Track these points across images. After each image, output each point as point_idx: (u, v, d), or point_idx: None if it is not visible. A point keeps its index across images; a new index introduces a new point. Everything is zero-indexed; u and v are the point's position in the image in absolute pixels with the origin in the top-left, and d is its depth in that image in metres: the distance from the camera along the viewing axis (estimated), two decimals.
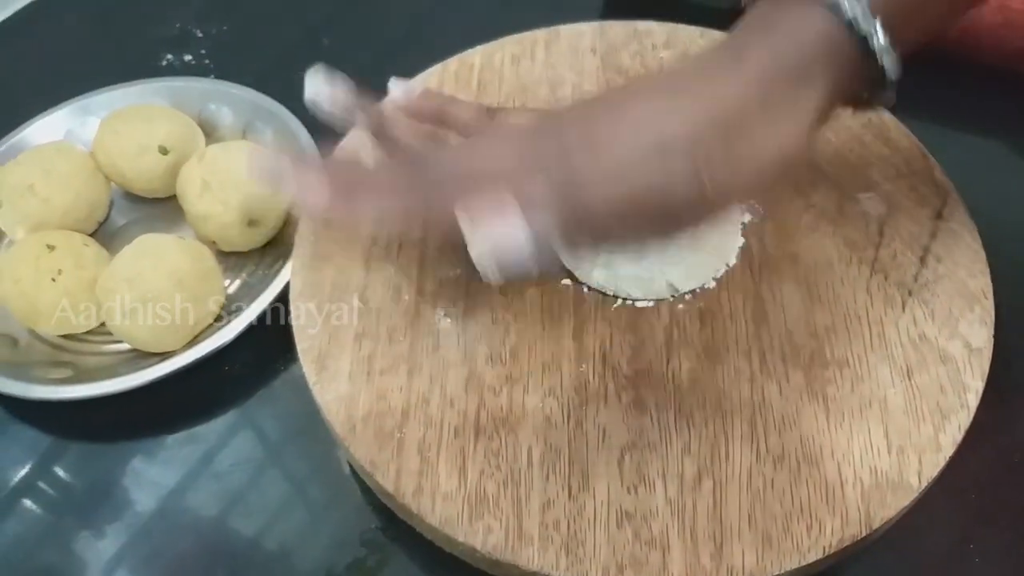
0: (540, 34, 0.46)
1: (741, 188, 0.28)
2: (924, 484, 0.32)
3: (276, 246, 0.46)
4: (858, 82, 0.29)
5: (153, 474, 0.41)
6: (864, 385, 0.34)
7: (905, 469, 0.32)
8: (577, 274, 0.37)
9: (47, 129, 0.50)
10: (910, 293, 0.36)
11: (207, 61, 0.57)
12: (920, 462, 0.32)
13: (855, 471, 0.32)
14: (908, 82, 0.48)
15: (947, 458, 0.32)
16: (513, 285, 0.37)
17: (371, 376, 0.35)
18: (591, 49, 0.45)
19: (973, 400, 0.33)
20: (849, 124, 0.41)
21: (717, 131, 0.27)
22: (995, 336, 0.35)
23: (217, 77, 0.54)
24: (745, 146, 0.27)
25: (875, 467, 0.32)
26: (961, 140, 0.49)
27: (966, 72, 0.49)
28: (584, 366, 0.35)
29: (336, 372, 0.35)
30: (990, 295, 0.36)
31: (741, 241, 0.38)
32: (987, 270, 0.37)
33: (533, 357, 0.35)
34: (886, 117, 0.42)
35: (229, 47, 0.58)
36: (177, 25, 0.59)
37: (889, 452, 0.32)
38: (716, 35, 0.45)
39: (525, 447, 0.33)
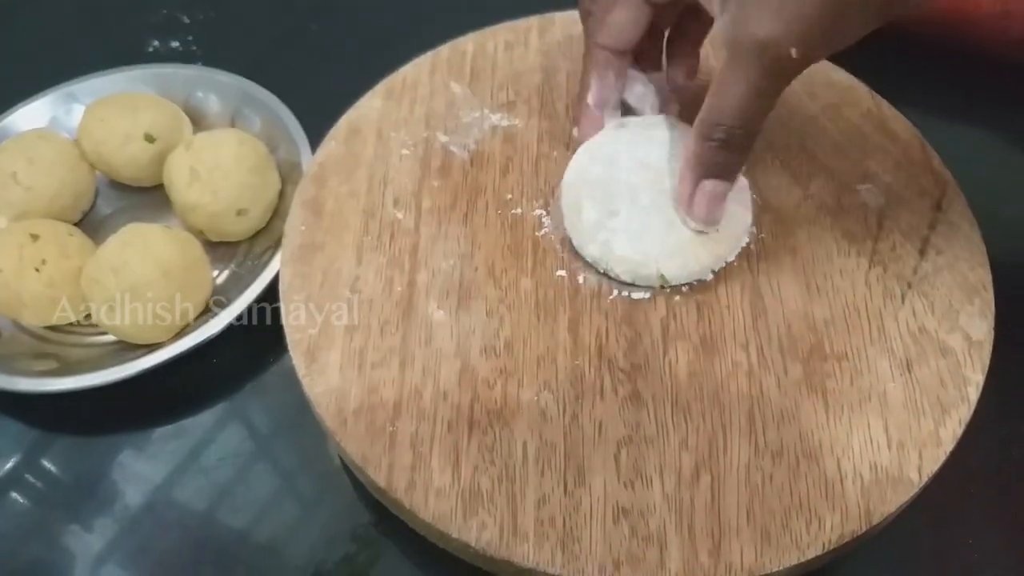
0: (534, 21, 0.46)
1: None
2: (924, 479, 0.31)
3: (265, 236, 0.45)
4: None
5: (140, 468, 0.40)
6: (863, 379, 0.33)
7: (905, 464, 0.31)
8: (574, 241, 0.36)
9: (31, 116, 0.49)
10: (909, 285, 0.36)
11: (194, 48, 0.56)
12: (920, 457, 0.32)
13: (855, 466, 0.31)
14: (907, 72, 0.48)
15: (947, 453, 0.32)
16: (507, 276, 0.37)
17: (363, 369, 0.34)
18: None
19: (974, 394, 0.33)
20: (848, 115, 0.41)
21: None
22: (995, 329, 0.34)
23: (204, 64, 0.53)
24: None
25: (875, 462, 0.31)
26: (960, 131, 0.49)
27: (965, 62, 0.49)
28: (580, 359, 0.34)
29: (327, 365, 0.34)
30: (990, 287, 0.36)
31: (745, 241, 0.37)
32: (987, 262, 0.36)
33: (528, 350, 0.34)
34: (885, 108, 0.41)
35: (216, 34, 0.57)
36: (163, 11, 0.58)
37: (889, 447, 0.32)
38: None
39: (520, 442, 0.32)
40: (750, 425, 0.32)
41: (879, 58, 0.43)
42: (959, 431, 0.32)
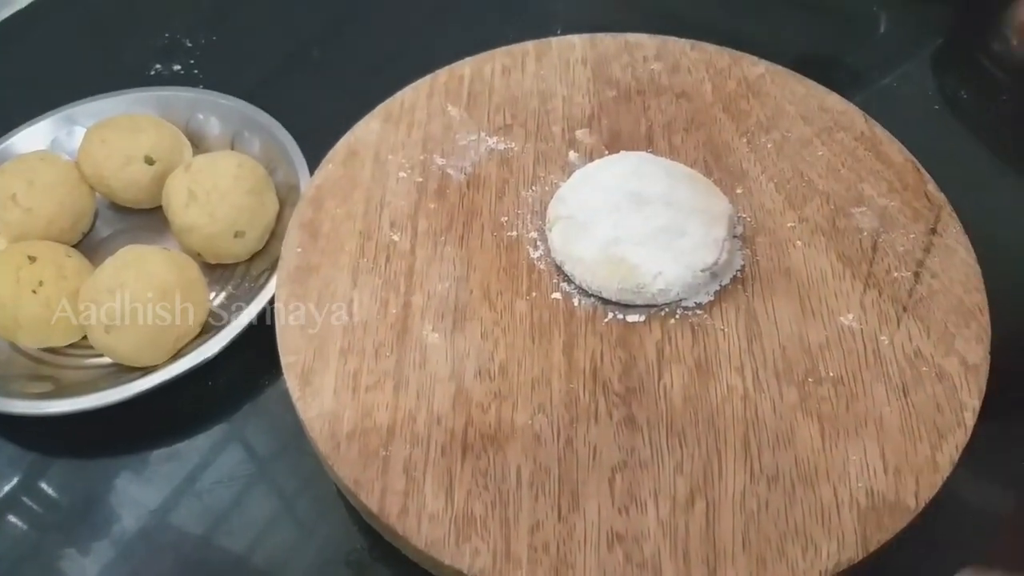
0: (530, 46, 0.46)
1: None
2: (921, 506, 0.31)
3: (262, 258, 0.46)
4: None
5: (136, 491, 0.40)
6: (859, 403, 0.33)
7: (902, 490, 0.31)
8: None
9: (32, 138, 0.50)
10: (905, 309, 0.36)
11: (196, 71, 0.56)
12: (917, 483, 0.31)
13: (851, 492, 0.31)
14: (905, 94, 0.48)
15: (944, 479, 0.32)
16: (502, 298, 0.37)
17: (356, 392, 0.34)
18: (582, 61, 0.45)
19: (970, 419, 0.33)
20: (841, 138, 0.41)
21: None
22: (991, 353, 0.34)
23: (206, 87, 0.53)
24: None
25: (872, 488, 0.31)
26: (954, 153, 0.49)
27: (961, 85, 0.49)
28: (574, 383, 0.34)
29: (320, 388, 0.34)
30: (986, 311, 0.35)
31: (740, 264, 0.37)
32: (982, 286, 0.36)
33: (522, 373, 0.34)
34: (878, 131, 0.41)
35: (219, 57, 0.57)
36: (166, 35, 0.59)
37: (886, 472, 0.31)
38: (707, 48, 0.45)
39: (514, 466, 0.32)
40: (745, 450, 0.32)
41: (873, 81, 0.43)
42: (956, 456, 0.32)
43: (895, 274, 0.36)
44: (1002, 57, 0.56)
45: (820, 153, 0.40)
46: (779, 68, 0.44)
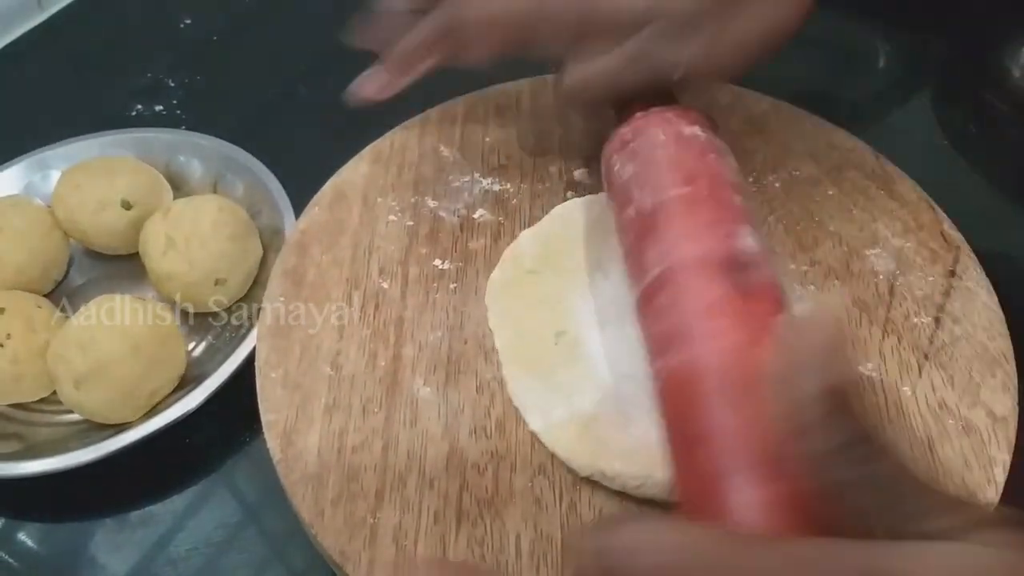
0: (525, 84, 0.44)
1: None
2: None
3: (244, 306, 0.43)
4: None
5: (105, 559, 0.37)
6: None
7: None
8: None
9: (4, 183, 0.48)
10: (926, 357, 0.33)
11: (179, 112, 0.55)
12: None
13: None
14: (907, 129, 0.46)
15: None
16: None
17: (342, 453, 0.32)
18: None
19: (1001, 475, 0.31)
20: (852, 177, 0.39)
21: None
22: (1020, 403, 0.32)
23: (189, 128, 0.51)
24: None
25: None
26: (961, 191, 0.47)
27: (965, 120, 0.48)
28: None
29: (304, 449, 0.32)
30: (1012, 359, 0.33)
31: None
32: (1007, 331, 0.34)
33: (521, 430, 0.32)
34: (889, 168, 0.40)
35: (202, 98, 0.56)
36: (148, 75, 0.57)
37: None
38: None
39: (513, 534, 0.29)
40: None
41: (874, 117, 0.42)
42: None
43: (915, 319, 0.34)
44: (1006, 91, 0.55)
45: (830, 192, 0.39)
46: (783, 104, 0.42)
